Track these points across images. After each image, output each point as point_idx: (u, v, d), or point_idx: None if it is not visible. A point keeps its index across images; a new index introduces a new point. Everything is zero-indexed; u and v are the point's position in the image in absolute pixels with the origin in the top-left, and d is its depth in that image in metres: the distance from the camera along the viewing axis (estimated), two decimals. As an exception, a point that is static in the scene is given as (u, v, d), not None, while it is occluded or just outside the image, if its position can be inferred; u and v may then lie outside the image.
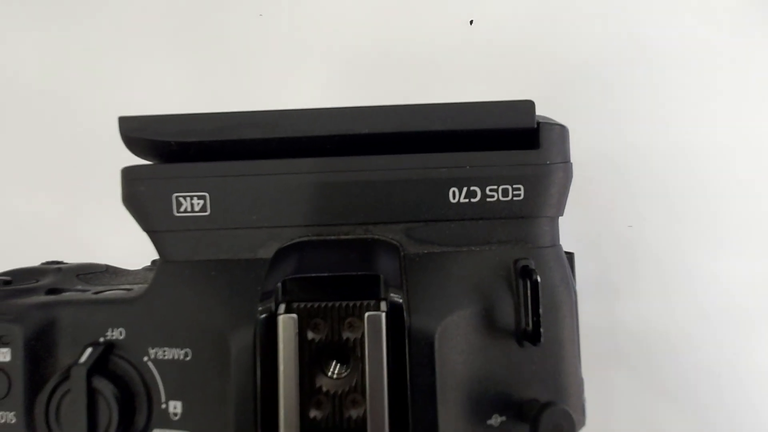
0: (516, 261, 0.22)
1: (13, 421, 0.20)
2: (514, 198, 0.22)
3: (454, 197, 0.22)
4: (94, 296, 0.23)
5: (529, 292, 0.21)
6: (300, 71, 0.47)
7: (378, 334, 0.19)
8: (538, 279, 0.21)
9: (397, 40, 0.47)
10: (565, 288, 0.23)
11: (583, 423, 0.23)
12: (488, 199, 0.22)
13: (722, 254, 0.43)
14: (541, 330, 0.20)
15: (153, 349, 0.21)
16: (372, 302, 0.19)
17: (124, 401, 0.20)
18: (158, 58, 0.47)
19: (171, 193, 0.22)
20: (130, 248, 0.29)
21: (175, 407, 0.21)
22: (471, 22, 0.46)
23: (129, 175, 0.23)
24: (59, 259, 0.28)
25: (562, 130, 0.23)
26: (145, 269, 0.32)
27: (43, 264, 0.27)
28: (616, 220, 0.44)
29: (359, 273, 0.20)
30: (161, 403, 0.21)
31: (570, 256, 0.25)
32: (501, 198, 0.22)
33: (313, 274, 0.20)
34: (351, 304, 0.19)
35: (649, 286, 0.44)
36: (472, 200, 0.22)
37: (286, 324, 0.19)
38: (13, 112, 0.47)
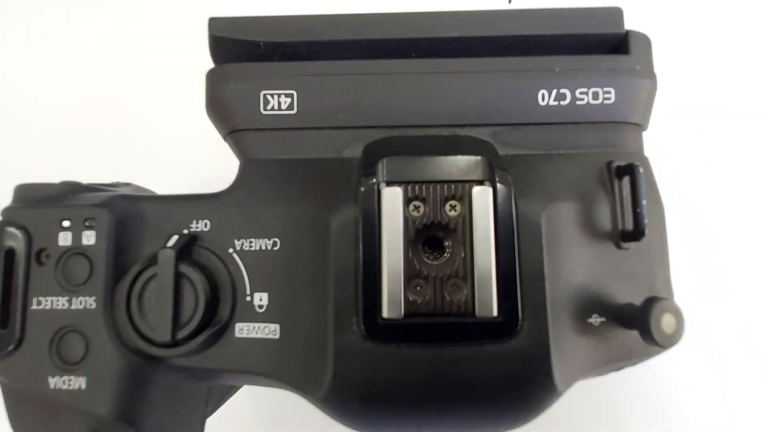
0: (609, 162, 0.22)
1: (93, 307, 0.19)
2: (605, 101, 0.22)
3: (543, 100, 0.22)
4: (177, 194, 0.22)
5: (629, 188, 0.21)
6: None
7: (485, 211, 0.18)
8: (641, 170, 0.20)
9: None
10: (654, 196, 0.22)
11: None
12: (578, 102, 0.22)
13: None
14: (645, 222, 0.20)
15: (239, 240, 0.21)
16: (476, 181, 0.19)
17: (209, 290, 0.20)
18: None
19: (259, 91, 0.22)
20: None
21: (261, 299, 0.20)
22: (509, 0, 0.47)
23: (216, 74, 0.23)
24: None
25: (648, 40, 0.23)
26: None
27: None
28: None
29: (463, 155, 0.19)
30: (246, 296, 0.20)
31: None
32: (591, 101, 0.22)
33: (415, 156, 0.19)
34: (455, 184, 0.19)
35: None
36: (562, 103, 0.22)
37: (390, 196, 0.18)
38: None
